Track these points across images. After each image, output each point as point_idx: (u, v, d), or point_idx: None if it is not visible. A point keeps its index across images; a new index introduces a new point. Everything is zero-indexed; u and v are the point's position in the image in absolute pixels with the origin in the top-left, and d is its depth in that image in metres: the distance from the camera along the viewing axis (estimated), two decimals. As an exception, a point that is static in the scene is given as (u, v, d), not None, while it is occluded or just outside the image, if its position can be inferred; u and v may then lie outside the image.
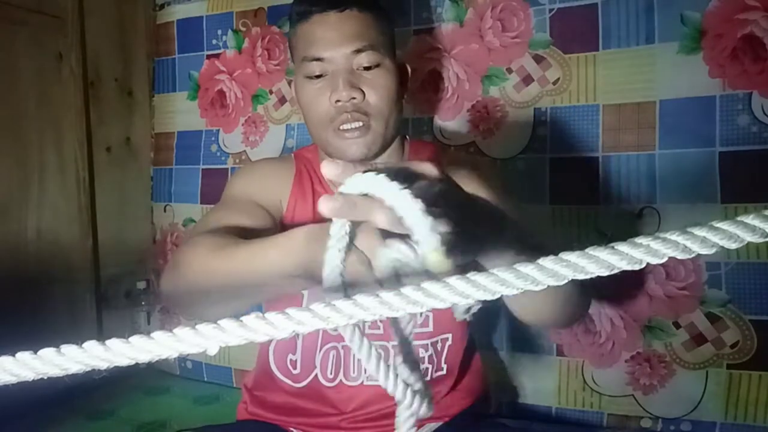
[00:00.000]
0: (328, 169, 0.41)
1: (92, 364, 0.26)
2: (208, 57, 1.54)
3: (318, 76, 0.78)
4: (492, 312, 1.24)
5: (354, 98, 0.76)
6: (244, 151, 1.49)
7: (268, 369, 0.88)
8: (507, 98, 1.22)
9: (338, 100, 0.76)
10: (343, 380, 0.82)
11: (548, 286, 0.59)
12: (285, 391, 0.86)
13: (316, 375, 0.83)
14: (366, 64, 0.77)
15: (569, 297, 0.65)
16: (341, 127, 0.77)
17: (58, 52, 1.40)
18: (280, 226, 0.84)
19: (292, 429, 0.86)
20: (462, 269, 0.33)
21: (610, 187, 1.14)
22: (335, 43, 0.76)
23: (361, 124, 0.77)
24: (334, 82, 0.76)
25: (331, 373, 0.83)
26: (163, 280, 0.66)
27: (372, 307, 0.27)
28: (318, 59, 0.77)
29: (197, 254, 0.61)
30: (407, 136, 0.92)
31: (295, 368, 0.85)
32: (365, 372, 0.82)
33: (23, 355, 0.26)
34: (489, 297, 0.27)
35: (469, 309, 0.40)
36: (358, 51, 0.76)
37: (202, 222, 0.78)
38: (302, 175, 0.89)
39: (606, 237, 1.14)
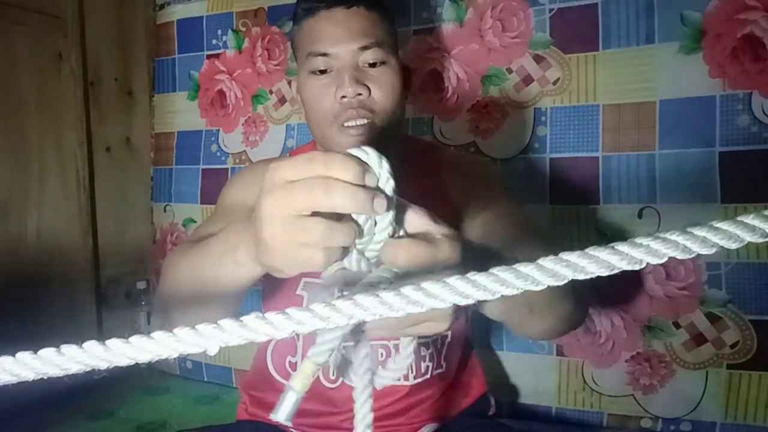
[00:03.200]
0: None
1: (92, 364, 0.26)
2: (208, 57, 1.54)
3: (323, 72, 0.77)
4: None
5: (360, 94, 0.75)
6: (244, 151, 1.49)
7: (267, 372, 0.87)
8: (507, 98, 1.22)
9: (344, 96, 0.75)
10: (346, 381, 0.82)
11: (541, 302, 0.59)
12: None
13: (318, 377, 0.83)
14: (371, 61, 0.76)
15: (560, 311, 0.64)
16: (345, 124, 0.76)
17: (58, 52, 1.40)
18: None
19: (292, 429, 0.86)
20: None
21: (610, 187, 1.14)
22: (342, 39, 0.76)
23: (366, 121, 0.76)
24: (339, 78, 0.76)
25: (333, 374, 0.83)
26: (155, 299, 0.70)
27: (372, 307, 0.27)
28: (324, 54, 0.76)
29: (168, 264, 0.65)
30: (405, 135, 0.92)
31: (295, 371, 0.84)
32: None
33: (23, 355, 0.26)
34: (489, 297, 0.27)
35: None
36: (365, 48, 0.76)
37: (190, 235, 0.80)
38: None
39: (606, 237, 1.14)
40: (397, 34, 0.84)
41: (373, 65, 0.77)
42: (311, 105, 0.79)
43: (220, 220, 0.80)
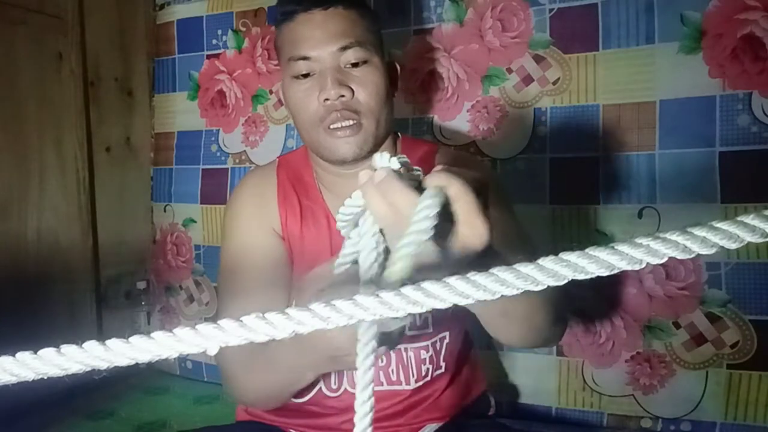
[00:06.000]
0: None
1: (92, 364, 0.26)
2: (208, 57, 1.54)
3: (305, 76, 0.77)
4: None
5: (343, 96, 0.74)
6: (244, 151, 1.49)
7: None
8: (507, 98, 1.22)
9: (327, 99, 0.75)
10: (348, 388, 0.82)
11: (517, 311, 0.58)
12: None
13: (319, 388, 0.83)
14: (353, 61, 0.76)
15: (536, 322, 0.64)
16: (331, 126, 0.76)
17: (58, 52, 1.40)
18: (286, 247, 0.84)
19: (292, 430, 0.85)
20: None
21: (610, 187, 1.14)
22: (321, 41, 0.75)
23: (352, 122, 0.76)
24: (322, 80, 0.75)
25: (335, 384, 0.82)
26: (238, 398, 0.83)
27: (372, 307, 0.27)
28: (304, 58, 0.76)
29: (247, 389, 0.76)
30: (399, 134, 0.91)
31: None
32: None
33: (23, 355, 0.26)
34: (489, 297, 0.27)
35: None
36: (345, 48, 0.75)
37: (224, 311, 0.81)
38: (285, 187, 0.87)
39: (606, 237, 1.14)
40: (380, 32, 0.83)
41: (355, 65, 0.76)
42: (296, 109, 0.79)
43: (242, 293, 0.79)
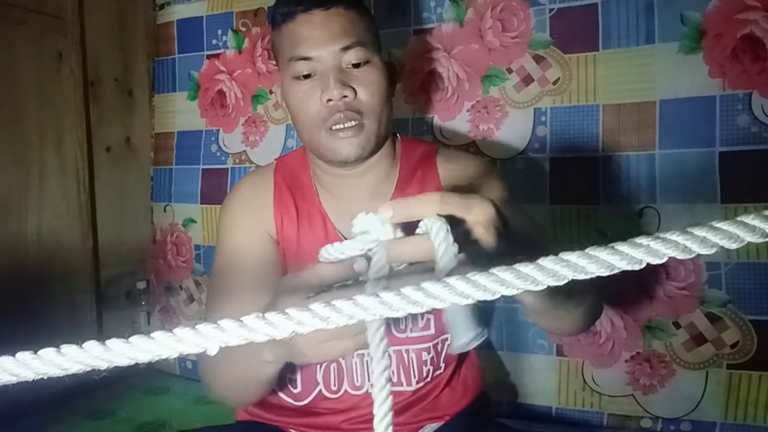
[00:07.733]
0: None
1: (92, 364, 0.26)
2: (208, 57, 1.54)
3: (306, 76, 0.76)
4: (491, 312, 1.24)
5: (346, 96, 0.74)
6: (244, 151, 1.49)
7: None
8: (507, 98, 1.22)
9: (330, 99, 0.74)
10: (348, 390, 0.82)
11: (569, 299, 0.60)
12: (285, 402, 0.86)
13: (319, 390, 0.83)
14: (355, 61, 0.75)
15: (586, 307, 0.67)
16: (334, 128, 0.75)
17: (58, 52, 1.40)
18: (280, 251, 0.84)
19: (291, 430, 0.85)
20: None
21: (610, 187, 1.14)
22: (323, 41, 0.75)
23: (354, 123, 0.75)
24: (324, 81, 0.75)
25: (334, 386, 0.82)
26: (210, 387, 0.78)
27: (372, 307, 0.27)
28: (306, 58, 0.75)
29: (215, 380, 0.74)
30: (398, 135, 0.91)
31: (295, 387, 0.83)
32: (370, 380, 0.82)
33: (23, 355, 0.26)
34: (489, 297, 0.27)
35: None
36: (347, 48, 0.75)
37: (213, 313, 0.80)
38: (281, 189, 0.86)
39: (606, 237, 1.14)
40: (378, 33, 0.83)
41: (356, 65, 0.76)
42: (297, 110, 0.78)
43: (234, 294, 0.78)
